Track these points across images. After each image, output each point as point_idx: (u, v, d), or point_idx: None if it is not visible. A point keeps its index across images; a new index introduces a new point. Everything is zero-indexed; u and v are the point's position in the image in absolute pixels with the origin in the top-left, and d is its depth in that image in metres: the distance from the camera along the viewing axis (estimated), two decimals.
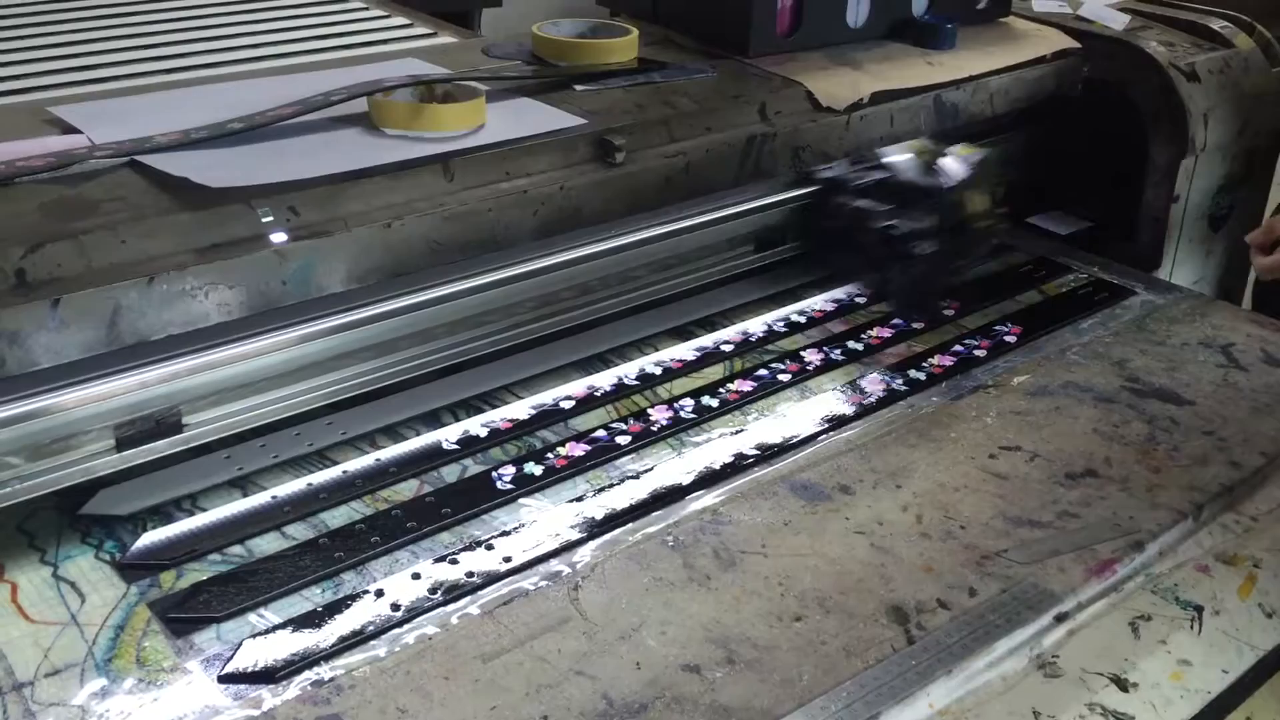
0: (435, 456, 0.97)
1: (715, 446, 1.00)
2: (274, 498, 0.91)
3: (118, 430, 0.87)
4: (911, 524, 0.91)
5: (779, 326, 1.19)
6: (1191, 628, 0.85)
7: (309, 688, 0.74)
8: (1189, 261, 1.46)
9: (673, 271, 1.20)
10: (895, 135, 1.25)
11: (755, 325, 1.19)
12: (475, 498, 0.92)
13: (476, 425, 1.01)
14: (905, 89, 1.26)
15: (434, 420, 1.02)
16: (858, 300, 1.25)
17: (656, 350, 1.14)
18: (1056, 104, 1.42)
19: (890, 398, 1.08)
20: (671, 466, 0.97)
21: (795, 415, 1.04)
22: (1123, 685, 0.80)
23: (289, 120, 0.97)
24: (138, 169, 0.90)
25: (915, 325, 1.20)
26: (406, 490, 0.93)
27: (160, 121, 0.96)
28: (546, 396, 1.06)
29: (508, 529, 0.89)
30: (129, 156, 0.91)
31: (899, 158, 1.23)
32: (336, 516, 0.90)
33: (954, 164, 1.21)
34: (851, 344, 1.16)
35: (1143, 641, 0.83)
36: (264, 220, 0.87)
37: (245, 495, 0.92)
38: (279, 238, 0.87)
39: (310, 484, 0.93)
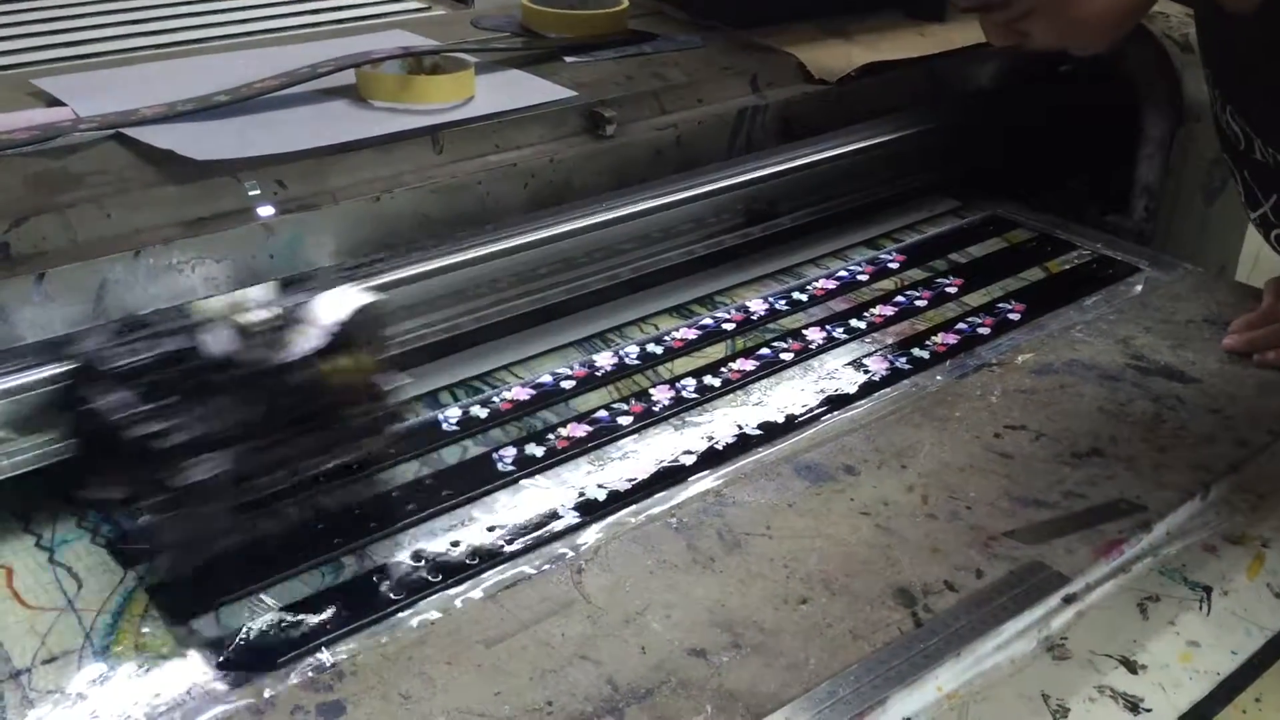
0: (435, 438, 0.96)
1: (718, 427, 0.99)
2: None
3: None
4: (917, 504, 0.90)
5: (780, 305, 1.18)
6: (1200, 608, 0.84)
7: (310, 674, 0.73)
8: (1183, 235, 1.45)
9: (667, 244, 1.18)
10: (889, 107, 1.23)
11: (756, 303, 1.18)
12: (476, 479, 0.91)
13: (476, 406, 1.00)
14: (897, 60, 1.25)
15: (433, 402, 1.01)
16: (859, 278, 1.24)
17: (657, 329, 1.13)
18: (1049, 76, 1.41)
19: (894, 376, 1.07)
20: (674, 447, 0.96)
21: (798, 395, 1.03)
22: (1132, 667, 0.79)
23: (275, 92, 0.96)
24: (123, 142, 0.89)
25: (919, 304, 1.19)
26: (406, 472, 0.92)
27: (145, 94, 0.94)
28: (546, 377, 1.04)
29: (510, 511, 0.88)
30: (114, 129, 0.89)
31: (206, 320, 0.80)
32: (334, 500, 0.89)
33: (311, 323, 0.81)
34: (854, 322, 1.15)
35: (1151, 623, 0.83)
36: (251, 193, 0.85)
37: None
38: (266, 211, 0.85)
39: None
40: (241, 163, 0.86)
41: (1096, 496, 0.92)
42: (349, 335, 0.81)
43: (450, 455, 0.95)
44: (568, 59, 1.13)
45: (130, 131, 0.89)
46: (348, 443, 0.83)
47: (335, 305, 0.81)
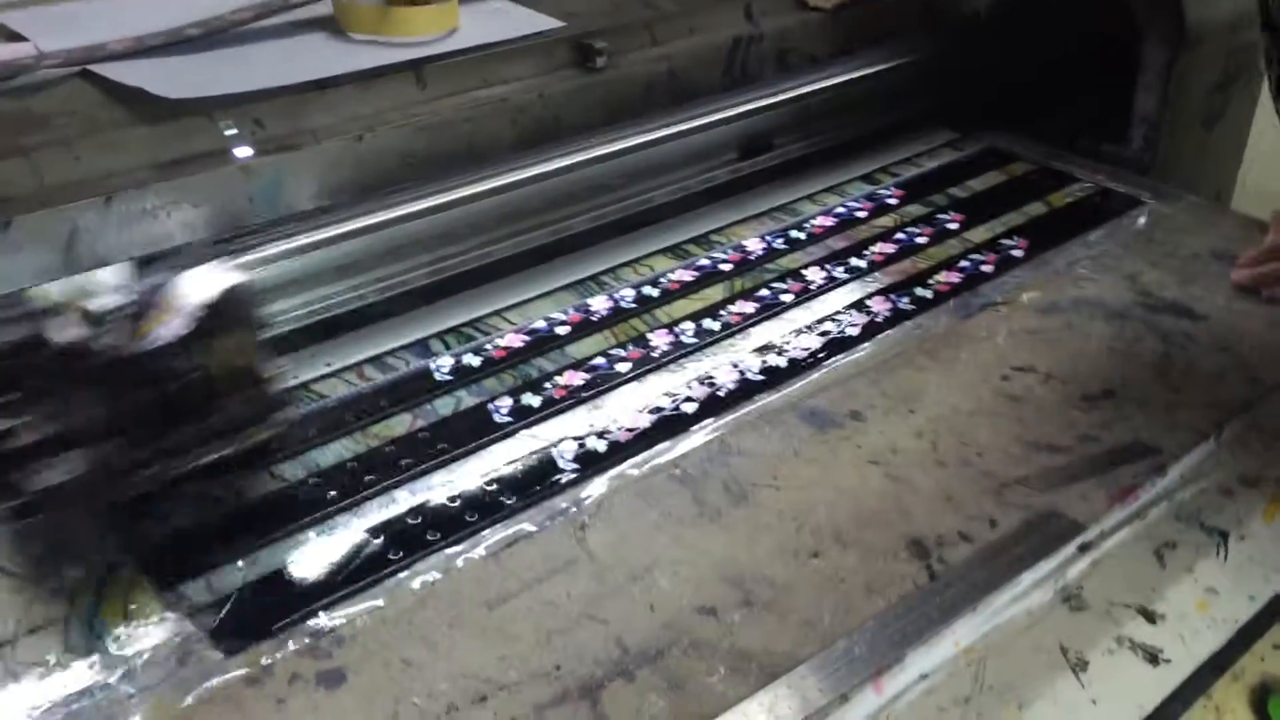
0: (428, 388, 0.93)
1: (720, 373, 0.95)
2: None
3: None
4: (927, 451, 0.88)
5: (778, 243, 1.15)
6: (1217, 554, 0.82)
7: (308, 640, 0.70)
8: (1182, 164, 1.42)
9: (660, 181, 1.14)
10: (885, 34, 1.19)
11: (753, 242, 1.14)
12: (472, 432, 0.88)
13: (469, 354, 0.96)
14: None
15: (424, 350, 0.98)
16: (858, 215, 1.20)
17: (652, 270, 1.10)
18: (1052, 2, 1.36)
19: (897, 317, 1.04)
20: (675, 394, 0.93)
21: (800, 338, 1.00)
22: (1150, 617, 0.77)
23: (249, 25, 0.91)
24: (90, 79, 0.84)
25: (919, 241, 1.16)
26: (399, 425, 0.89)
27: (113, 27, 0.89)
28: (540, 322, 1.01)
29: (508, 465, 0.85)
30: (80, 66, 0.84)
31: (52, 306, 0.72)
32: (327, 455, 0.86)
33: (164, 312, 0.72)
34: (854, 261, 1.12)
35: (1168, 570, 0.81)
36: (228, 134, 0.81)
37: None
38: (244, 152, 0.81)
39: (297, 421, 0.88)
40: (216, 101, 0.81)
41: (1110, 440, 0.89)
42: (219, 319, 0.73)
43: (444, 406, 0.91)
44: None
45: (97, 68, 0.84)
46: (229, 433, 0.76)
47: (201, 287, 0.73)
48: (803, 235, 1.16)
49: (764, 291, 1.07)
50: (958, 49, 1.33)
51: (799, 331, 1.01)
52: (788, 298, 1.06)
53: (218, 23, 0.91)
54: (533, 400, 0.91)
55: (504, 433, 0.88)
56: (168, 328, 0.71)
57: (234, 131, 0.81)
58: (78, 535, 0.73)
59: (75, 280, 0.74)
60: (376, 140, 0.86)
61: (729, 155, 1.17)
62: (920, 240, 1.16)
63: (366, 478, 0.83)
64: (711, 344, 0.99)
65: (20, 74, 0.83)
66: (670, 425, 0.89)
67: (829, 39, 1.16)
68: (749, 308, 1.04)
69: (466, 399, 0.92)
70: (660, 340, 0.99)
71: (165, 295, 0.73)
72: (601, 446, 0.87)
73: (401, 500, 0.81)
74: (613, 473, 0.84)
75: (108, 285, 0.74)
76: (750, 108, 1.13)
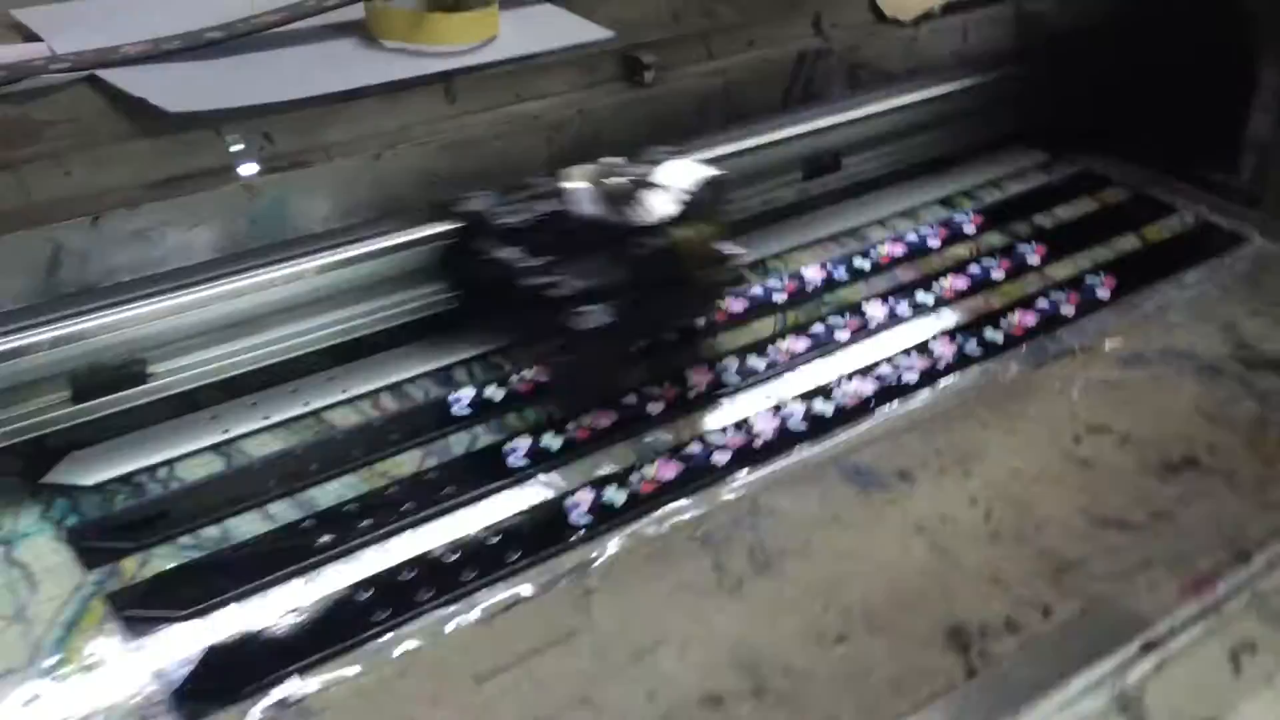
0: (443, 422, 0.87)
1: (760, 418, 0.88)
2: (259, 470, 0.82)
3: (74, 380, 0.77)
4: (979, 522, 0.79)
5: (840, 272, 1.06)
6: None
7: (274, 711, 0.65)
8: None
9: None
10: (969, 52, 1.10)
11: (813, 270, 1.06)
12: (483, 475, 0.82)
13: (492, 386, 0.90)
14: None
15: (446, 379, 0.92)
16: (930, 243, 1.11)
17: None
18: (1157, 13, 1.25)
19: (962, 362, 0.95)
20: (708, 440, 0.85)
21: (852, 382, 0.92)
22: None
23: (275, 29, 0.85)
24: (97, 86, 0.79)
25: (995, 276, 1.06)
26: (407, 463, 0.83)
27: (134, 29, 0.84)
28: None
29: (516, 515, 0.79)
30: (89, 70, 0.80)
31: (580, 184, 0.85)
32: (327, 493, 0.80)
33: (666, 191, 0.85)
34: (921, 295, 1.03)
35: (1245, 679, 0.71)
36: (232, 149, 0.76)
37: (229, 465, 0.82)
38: (248, 169, 0.76)
39: (302, 453, 0.83)
40: (224, 113, 0.76)
41: (1188, 518, 0.80)
42: (697, 204, 0.85)
43: (458, 444, 0.85)
44: None
45: (106, 74, 0.79)
46: (697, 304, 0.92)
47: (685, 174, 0.86)
48: (867, 264, 1.08)
49: (818, 327, 0.98)
50: (1055, 62, 1.23)
51: (851, 375, 0.93)
52: (843, 335, 0.98)
53: (242, 26, 0.86)
54: (553, 442, 0.85)
55: (516, 478, 0.82)
56: (662, 206, 0.83)
57: (240, 147, 0.75)
58: (599, 373, 0.89)
59: (596, 164, 0.86)
60: (396, 158, 0.80)
61: (792, 174, 1.08)
62: (996, 275, 1.07)
63: (363, 522, 0.77)
64: (755, 384, 0.92)
65: (26, 76, 0.79)
66: (698, 477, 0.82)
67: (908, 54, 1.07)
68: (800, 345, 0.96)
69: (483, 437, 0.86)
70: (699, 378, 0.92)
71: (660, 178, 0.85)
72: (620, 498, 0.80)
73: (396, 550, 0.76)
74: (628, 530, 0.78)
75: (618, 168, 0.86)
76: (815, 126, 1.04)
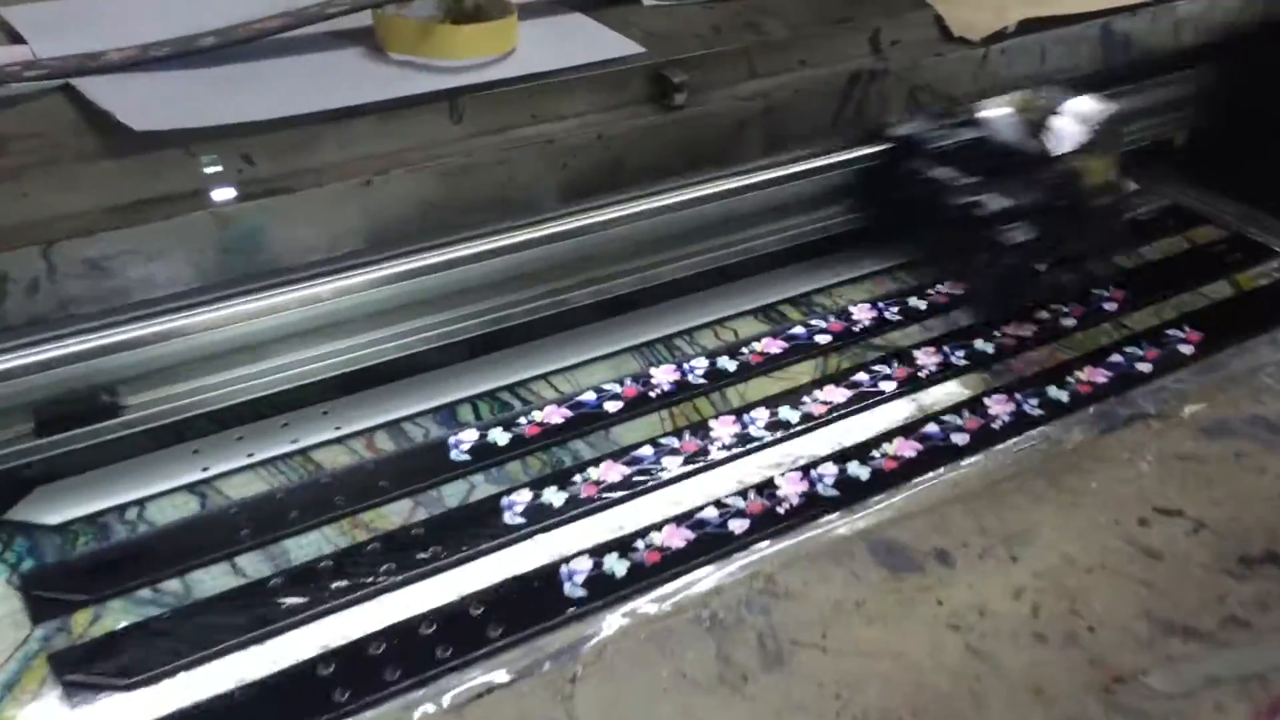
0: (439, 469, 0.80)
1: (786, 481, 0.79)
2: (235, 514, 0.75)
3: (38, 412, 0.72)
4: (1024, 619, 0.70)
5: (892, 312, 0.97)
6: None
7: None
8: None
9: (760, 229, 0.97)
10: (1045, 75, 1.00)
11: (862, 309, 0.97)
12: (474, 533, 0.75)
13: (496, 429, 0.83)
14: (1064, 15, 1.00)
15: (449, 417, 0.85)
16: None
17: (736, 335, 0.94)
18: (1263, 36, 1.13)
19: (1019, 424, 0.85)
20: (726, 505, 0.77)
21: (894, 442, 0.83)
22: None
23: (274, 35, 0.78)
24: (73, 96, 0.73)
25: (1066, 323, 0.96)
26: (396, 514, 0.76)
27: (124, 32, 0.78)
28: (589, 394, 0.87)
29: (505, 583, 0.71)
30: (66, 78, 0.73)
31: (996, 113, 0.95)
32: (303, 546, 0.74)
33: (1069, 123, 0.94)
34: (980, 344, 0.94)
35: None
36: (206, 171, 0.69)
37: (204, 507, 0.76)
38: (223, 195, 0.69)
39: (283, 497, 0.77)
40: (196, 132, 0.69)
41: (1265, 625, 0.70)
42: (1098, 136, 0.93)
43: (452, 495, 0.78)
44: (649, 1, 0.92)
45: (80, 83, 0.73)
46: (1093, 229, 0.96)
47: (1089, 109, 0.94)
48: (923, 304, 0.98)
49: (862, 375, 0.90)
50: (1146, 89, 1.12)
51: (893, 433, 0.84)
52: (889, 385, 0.89)
53: (240, 32, 0.79)
54: (555, 497, 0.77)
55: (511, 538, 0.74)
56: (1071, 136, 0.92)
57: (215, 169, 0.69)
58: (1016, 285, 0.96)
59: (1019, 95, 0.97)
60: (389, 185, 0.73)
61: (845, 200, 0.99)
62: (1066, 322, 0.97)
63: (336, 583, 0.70)
64: (784, 439, 0.83)
65: (1, 84, 0.73)
66: (710, 546, 0.74)
67: (977, 76, 0.97)
68: (839, 395, 0.87)
69: (481, 487, 0.79)
70: (724, 430, 0.84)
71: (1068, 110, 0.94)
72: (621, 569, 0.72)
73: (368, 618, 0.69)
74: (627, 607, 0.70)
75: (1035, 98, 0.97)
76: (867, 151, 0.95)
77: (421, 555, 0.73)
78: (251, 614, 0.68)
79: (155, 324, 0.73)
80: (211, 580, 0.71)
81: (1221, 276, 1.04)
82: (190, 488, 0.77)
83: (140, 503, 0.76)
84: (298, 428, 0.82)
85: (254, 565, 0.72)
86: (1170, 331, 0.95)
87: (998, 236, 0.91)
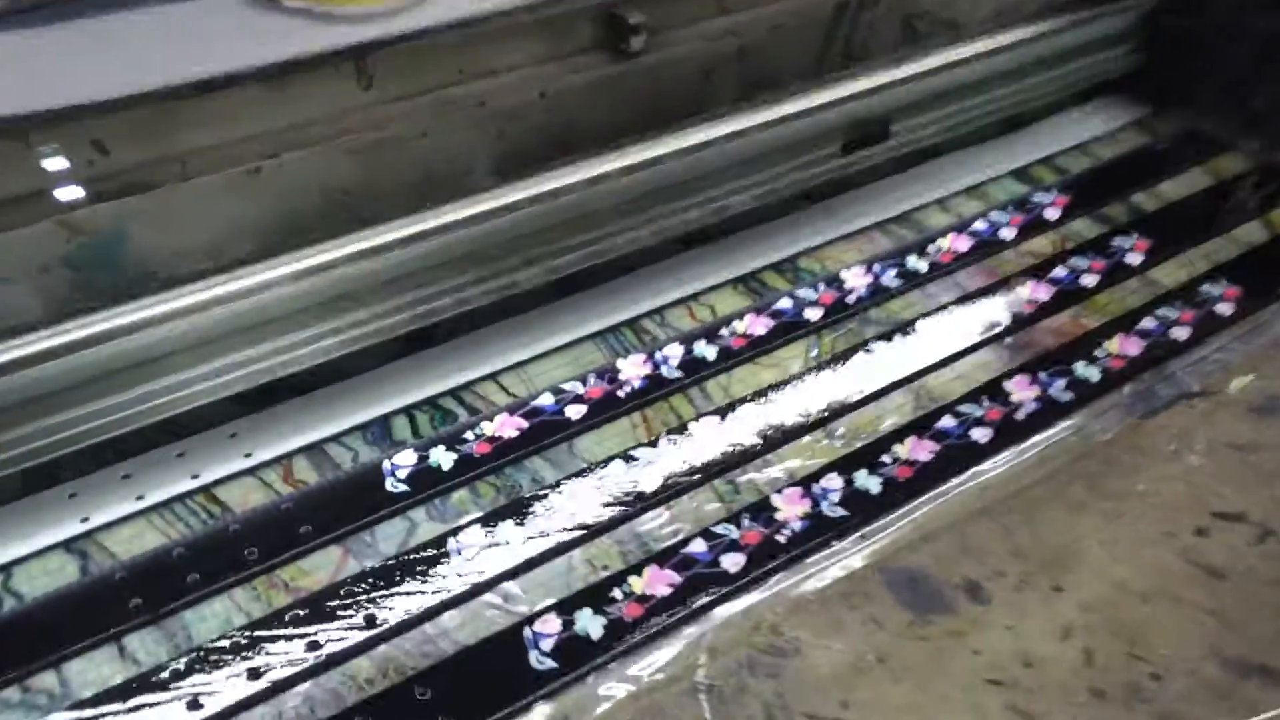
0: (372, 504, 0.67)
1: (785, 501, 0.67)
2: (122, 580, 0.62)
3: None
4: (1077, 667, 0.59)
5: (889, 277, 0.84)
6: None
7: None
8: None
9: (730, 185, 0.84)
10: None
11: (855, 273, 0.84)
12: (418, 588, 0.62)
13: (440, 450, 0.70)
14: None
15: (382, 434, 0.71)
16: (1002, 233, 0.89)
17: (713, 313, 0.81)
18: None
19: (1046, 413, 0.74)
20: (717, 534, 0.65)
21: (905, 444, 0.71)
22: None
23: None
24: None
25: (1085, 281, 0.84)
26: (320, 569, 0.63)
27: None
28: (546, 397, 0.73)
29: (454, 654, 0.59)
30: None
31: None
32: (208, 619, 0.61)
33: None
34: (992, 310, 0.81)
35: None
36: (48, 167, 0.54)
37: (84, 572, 0.63)
38: (69, 194, 0.54)
39: (181, 554, 0.63)
40: (37, 117, 0.54)
41: None
42: None
43: (388, 538, 0.65)
44: None
45: None
46: None
47: None
48: (924, 264, 0.86)
49: (860, 356, 0.77)
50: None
51: (904, 432, 0.72)
52: (893, 368, 0.76)
53: None
54: (513, 535, 0.65)
55: (461, 593, 0.62)
56: None
57: (59, 163, 0.54)
58: None
59: None
60: (283, 172, 0.58)
61: (828, 148, 0.86)
62: (1087, 280, 0.85)
63: (251, 662, 0.58)
64: (779, 445, 0.71)
65: None
66: (700, 588, 0.62)
67: (974, 2, 0.83)
68: (837, 385, 0.75)
69: (423, 526, 0.66)
70: (708, 435, 0.71)
71: None
72: (595, 628, 0.60)
73: (285, 711, 0.56)
74: (606, 684, 0.58)
75: None
76: (858, 89, 0.81)
77: (353, 622, 0.60)
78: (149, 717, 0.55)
79: (15, 346, 0.59)
80: (95, 670, 0.58)
81: (1254, 216, 0.91)
82: (68, 545, 0.64)
83: (5, 569, 0.62)
84: (198, 457, 0.69)
85: (147, 648, 0.59)
86: (1204, 288, 0.84)
87: None
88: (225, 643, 0.59)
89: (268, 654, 0.58)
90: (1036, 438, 0.72)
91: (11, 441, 0.63)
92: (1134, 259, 0.87)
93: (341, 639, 0.59)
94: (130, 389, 0.65)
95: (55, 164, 0.54)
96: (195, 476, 0.68)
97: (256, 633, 0.59)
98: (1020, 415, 0.73)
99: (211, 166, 0.57)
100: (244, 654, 0.58)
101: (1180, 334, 0.80)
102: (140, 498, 0.66)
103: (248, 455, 0.69)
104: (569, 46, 0.67)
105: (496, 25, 0.65)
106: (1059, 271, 0.85)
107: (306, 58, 0.60)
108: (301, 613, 0.61)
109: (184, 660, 0.58)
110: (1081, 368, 0.77)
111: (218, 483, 0.67)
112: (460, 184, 0.65)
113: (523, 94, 0.65)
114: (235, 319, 0.66)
